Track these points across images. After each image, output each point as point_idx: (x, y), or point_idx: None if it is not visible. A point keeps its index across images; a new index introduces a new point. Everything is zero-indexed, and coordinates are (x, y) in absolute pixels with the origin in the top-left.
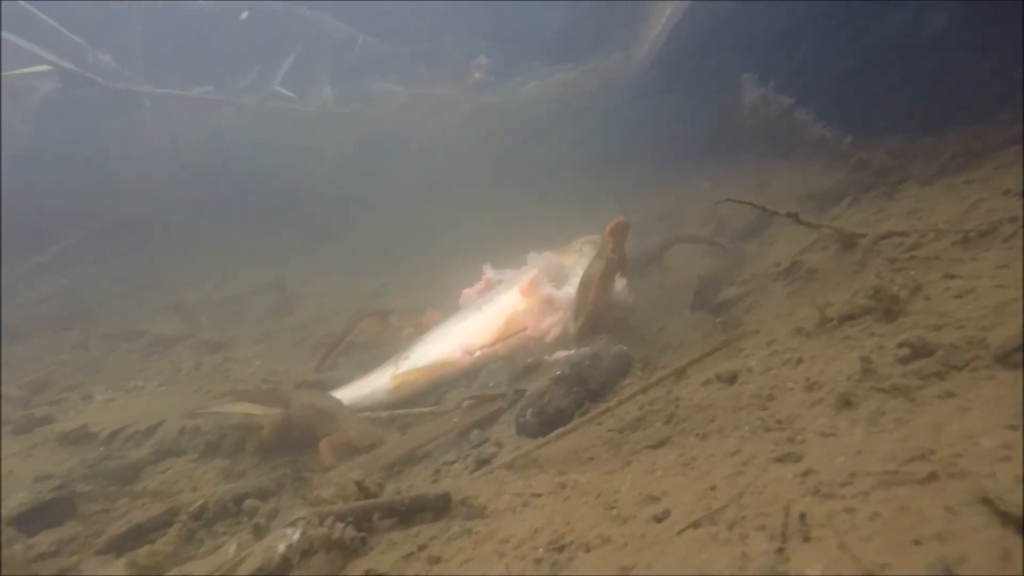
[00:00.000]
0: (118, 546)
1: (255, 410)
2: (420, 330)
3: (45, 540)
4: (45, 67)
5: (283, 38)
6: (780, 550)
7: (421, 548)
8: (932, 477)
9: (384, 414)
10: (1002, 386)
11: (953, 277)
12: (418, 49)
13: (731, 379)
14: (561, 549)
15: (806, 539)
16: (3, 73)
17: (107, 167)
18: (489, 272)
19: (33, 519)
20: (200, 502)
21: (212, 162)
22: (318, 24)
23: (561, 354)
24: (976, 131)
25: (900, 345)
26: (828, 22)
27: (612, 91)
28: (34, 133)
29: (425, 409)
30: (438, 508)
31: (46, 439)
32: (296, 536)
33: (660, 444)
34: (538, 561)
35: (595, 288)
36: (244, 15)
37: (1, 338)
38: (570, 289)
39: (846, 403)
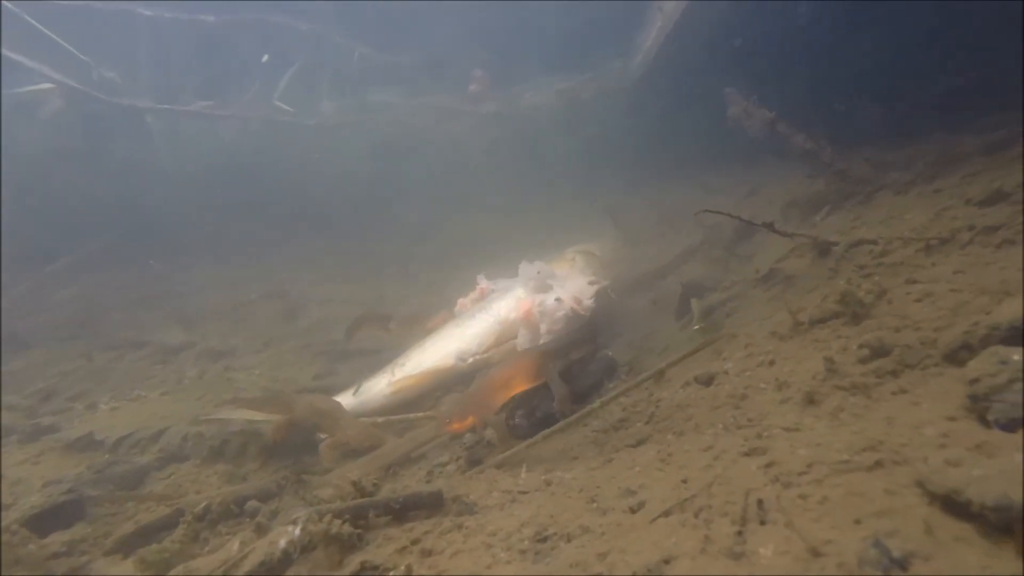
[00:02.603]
0: (126, 546)
1: (257, 416)
2: (426, 333)
3: (56, 541)
4: (48, 85)
5: (284, 52)
6: (739, 533)
7: (414, 542)
8: (878, 464)
9: (381, 419)
10: (949, 381)
11: (915, 282)
12: (418, 60)
13: (708, 381)
14: (545, 540)
15: (762, 523)
16: (7, 91)
17: (115, 181)
18: (483, 282)
19: (44, 521)
20: (204, 504)
21: (217, 174)
22: (317, 38)
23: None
24: (950, 141)
25: (861, 346)
26: (810, 36)
27: (610, 100)
28: (43, 148)
29: (421, 414)
30: (431, 505)
31: (53, 447)
32: (297, 531)
33: (640, 442)
34: (523, 551)
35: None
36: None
37: (1, 349)
38: (559, 295)
39: (811, 401)
